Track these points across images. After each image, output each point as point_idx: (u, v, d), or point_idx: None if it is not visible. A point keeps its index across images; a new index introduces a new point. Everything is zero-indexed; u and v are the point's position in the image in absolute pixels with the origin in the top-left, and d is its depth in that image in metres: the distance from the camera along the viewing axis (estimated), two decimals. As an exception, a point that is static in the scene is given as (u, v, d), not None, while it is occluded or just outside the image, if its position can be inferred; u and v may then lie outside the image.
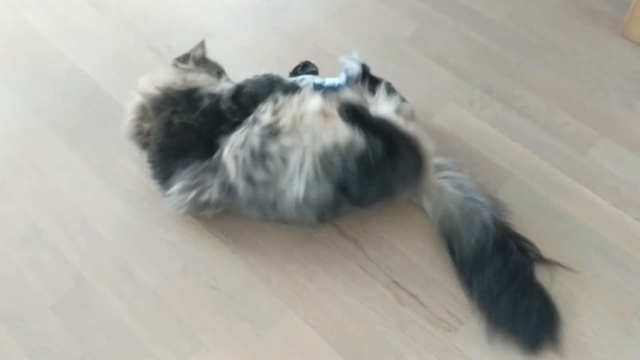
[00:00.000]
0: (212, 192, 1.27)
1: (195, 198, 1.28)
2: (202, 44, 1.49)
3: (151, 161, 1.35)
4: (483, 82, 1.65)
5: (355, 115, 1.26)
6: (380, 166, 1.23)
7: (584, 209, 1.41)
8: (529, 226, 1.35)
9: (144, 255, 1.34)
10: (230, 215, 1.38)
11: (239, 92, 1.33)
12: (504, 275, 1.24)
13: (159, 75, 1.39)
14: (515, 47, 1.74)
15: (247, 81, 1.36)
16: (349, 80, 1.43)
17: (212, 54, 1.51)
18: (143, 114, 1.37)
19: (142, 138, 1.38)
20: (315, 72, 1.54)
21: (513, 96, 1.62)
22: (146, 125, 1.37)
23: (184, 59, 1.47)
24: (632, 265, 1.31)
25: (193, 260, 1.33)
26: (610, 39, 1.75)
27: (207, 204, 1.29)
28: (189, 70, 1.42)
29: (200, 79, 1.39)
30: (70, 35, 1.79)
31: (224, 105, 1.30)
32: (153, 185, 1.44)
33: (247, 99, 1.31)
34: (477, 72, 1.67)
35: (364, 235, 1.36)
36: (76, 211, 1.42)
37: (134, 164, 1.48)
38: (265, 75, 1.38)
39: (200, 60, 1.46)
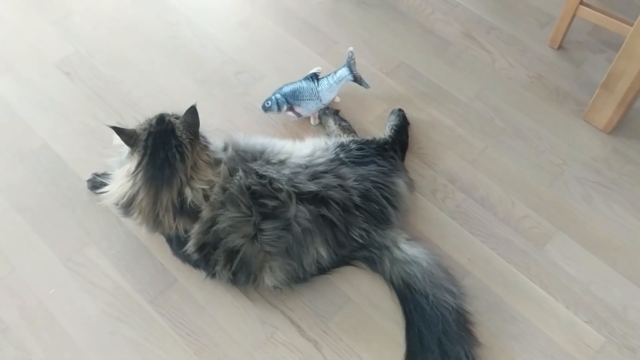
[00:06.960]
0: None
1: None
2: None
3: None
4: (447, 170, 1.69)
5: None
6: None
7: (536, 309, 1.46)
8: (482, 327, 1.41)
9: (108, 357, 1.38)
10: (195, 312, 1.43)
11: None
12: None
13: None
14: (480, 130, 1.77)
15: None
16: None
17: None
18: None
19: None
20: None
21: (475, 186, 1.66)
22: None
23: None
24: (577, 374, 1.37)
25: (155, 362, 1.37)
26: (572, 122, 1.79)
27: None
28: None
29: None
30: (39, 107, 1.79)
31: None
32: (118, 278, 1.48)
33: None
34: (442, 159, 1.71)
35: (323, 336, 1.41)
36: (42, 305, 1.44)
37: (101, 255, 1.51)
38: None
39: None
